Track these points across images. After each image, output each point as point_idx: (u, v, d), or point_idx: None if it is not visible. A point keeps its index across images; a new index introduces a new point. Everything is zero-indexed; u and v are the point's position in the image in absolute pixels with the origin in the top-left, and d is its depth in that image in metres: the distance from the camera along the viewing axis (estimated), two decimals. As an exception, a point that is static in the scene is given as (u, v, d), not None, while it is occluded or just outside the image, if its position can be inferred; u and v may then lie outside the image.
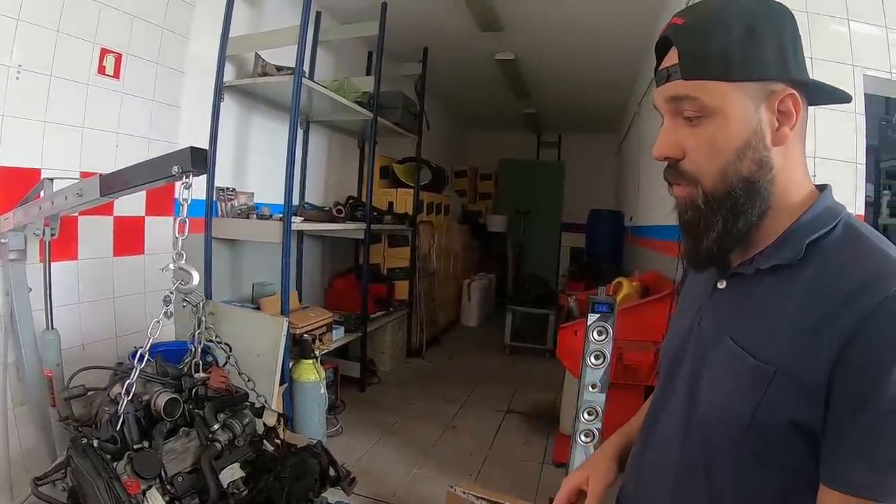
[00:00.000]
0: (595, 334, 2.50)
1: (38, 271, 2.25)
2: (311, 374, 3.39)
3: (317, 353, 3.51)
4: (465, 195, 8.84)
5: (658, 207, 4.56)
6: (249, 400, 1.92)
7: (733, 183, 0.78)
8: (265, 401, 2.06)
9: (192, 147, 1.42)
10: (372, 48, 5.01)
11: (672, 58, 0.79)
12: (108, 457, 1.50)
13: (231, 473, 1.58)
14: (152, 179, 1.55)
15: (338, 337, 4.03)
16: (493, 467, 3.42)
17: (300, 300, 4.21)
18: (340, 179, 5.09)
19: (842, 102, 0.81)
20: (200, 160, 1.44)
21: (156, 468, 1.49)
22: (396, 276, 5.51)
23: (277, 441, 1.87)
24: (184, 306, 1.87)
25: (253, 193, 3.71)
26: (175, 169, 1.45)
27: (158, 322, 1.55)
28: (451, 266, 6.92)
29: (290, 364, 3.36)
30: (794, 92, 0.76)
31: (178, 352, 2.04)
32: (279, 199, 3.46)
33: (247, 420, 1.73)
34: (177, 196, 1.44)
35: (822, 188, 0.83)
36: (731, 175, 0.77)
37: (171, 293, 1.56)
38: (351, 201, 4.43)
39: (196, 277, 1.50)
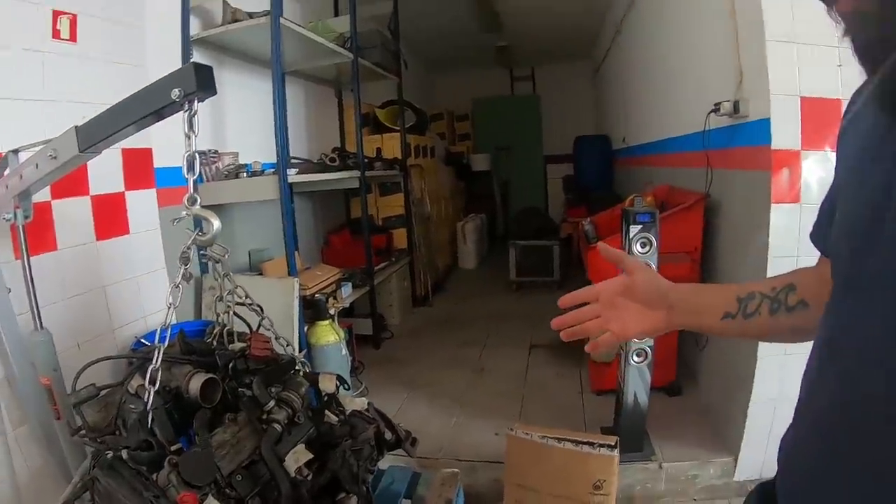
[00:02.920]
0: (638, 247, 2.36)
1: (17, 269, 1.86)
2: (330, 335, 3.20)
3: (332, 312, 3.30)
4: (445, 138, 8.53)
5: (658, 122, 4.36)
6: (296, 366, 1.68)
7: None
8: (308, 365, 1.83)
9: (194, 63, 1.13)
10: (337, -11, 4.68)
11: None
12: (144, 468, 1.21)
13: (296, 458, 1.27)
14: (147, 114, 1.23)
15: (347, 293, 3.82)
16: (533, 405, 3.29)
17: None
18: (321, 131, 4.80)
19: None
20: (206, 78, 1.15)
21: (210, 470, 1.17)
22: (393, 224, 5.34)
23: (339, 409, 1.64)
24: (204, 262, 1.57)
25: (237, 153, 3.41)
26: (176, 93, 1.14)
27: (178, 286, 1.27)
28: (443, 210, 6.71)
29: (305, 328, 3.17)
30: None
31: (192, 334, 1.73)
32: (262, 157, 3.22)
33: (303, 389, 1.47)
34: (185, 130, 1.17)
35: None
36: None
37: (188, 248, 1.28)
38: (338, 151, 4.17)
39: (218, 224, 1.24)
